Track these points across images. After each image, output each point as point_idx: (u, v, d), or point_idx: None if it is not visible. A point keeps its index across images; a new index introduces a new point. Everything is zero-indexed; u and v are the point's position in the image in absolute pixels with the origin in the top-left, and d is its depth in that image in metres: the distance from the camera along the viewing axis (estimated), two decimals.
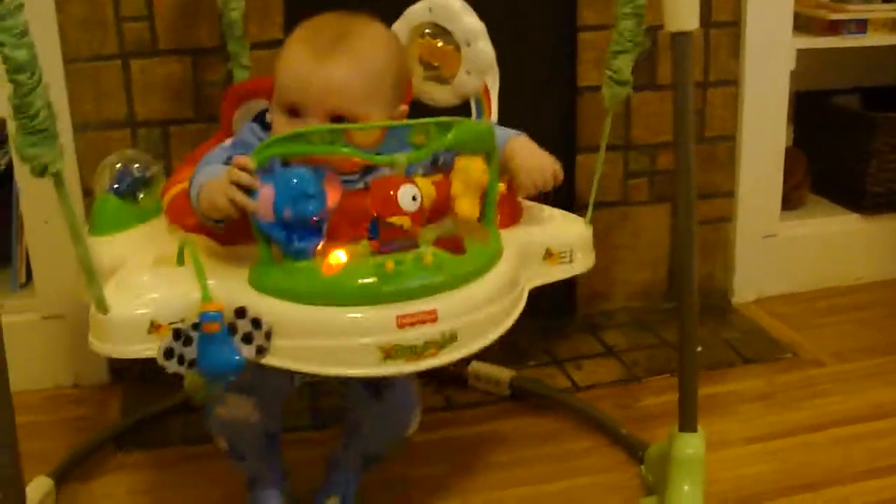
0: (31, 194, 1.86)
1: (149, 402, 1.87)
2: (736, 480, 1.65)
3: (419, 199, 1.16)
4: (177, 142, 1.93)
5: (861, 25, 2.27)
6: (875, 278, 2.45)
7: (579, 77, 2.11)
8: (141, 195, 1.51)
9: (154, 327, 1.16)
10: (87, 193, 1.86)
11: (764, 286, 2.37)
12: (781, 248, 2.36)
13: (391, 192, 1.15)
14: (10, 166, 1.92)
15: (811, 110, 2.54)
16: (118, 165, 1.53)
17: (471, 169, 1.22)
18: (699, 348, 1.50)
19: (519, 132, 1.39)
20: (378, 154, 1.19)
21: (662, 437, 1.56)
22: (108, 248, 1.39)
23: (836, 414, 1.86)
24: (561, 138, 2.15)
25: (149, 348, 1.16)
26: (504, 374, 1.93)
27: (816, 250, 2.40)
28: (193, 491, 1.64)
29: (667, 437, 1.53)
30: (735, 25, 2.18)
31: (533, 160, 1.34)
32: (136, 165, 1.54)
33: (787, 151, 2.34)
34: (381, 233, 1.16)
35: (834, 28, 2.27)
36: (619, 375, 2.02)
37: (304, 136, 1.14)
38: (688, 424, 1.50)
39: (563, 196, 2.14)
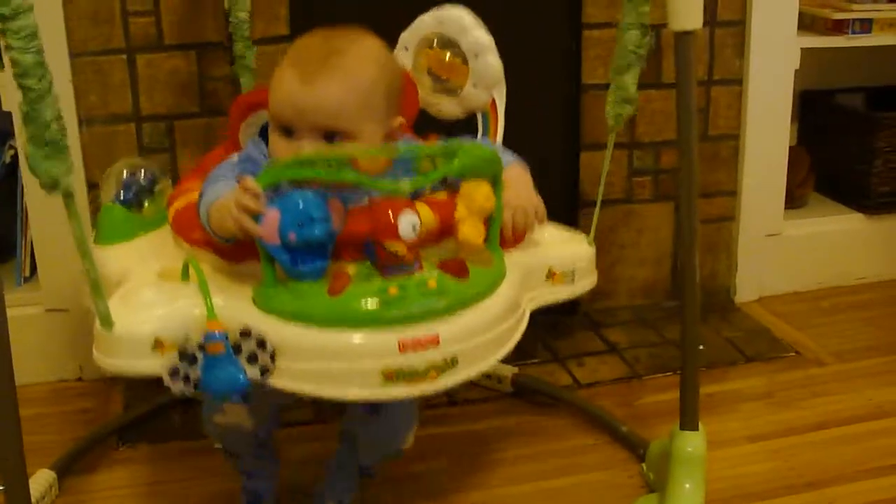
0: (36, 188, 1.84)
1: (151, 396, 1.87)
2: (737, 479, 1.65)
3: (418, 228, 1.17)
4: (181, 136, 1.94)
5: (866, 25, 2.27)
6: (878, 278, 2.45)
7: (584, 74, 2.11)
8: (146, 204, 1.51)
9: (158, 344, 1.17)
10: (92, 187, 1.86)
11: (767, 285, 2.37)
12: (784, 246, 2.36)
13: (392, 220, 1.15)
14: (14, 159, 1.93)
15: (815, 109, 2.54)
16: (124, 174, 1.53)
17: (475, 194, 1.22)
18: (701, 347, 1.50)
19: (517, 159, 1.38)
20: (383, 179, 1.19)
21: (664, 435, 1.56)
22: (113, 258, 1.39)
23: (838, 413, 1.86)
24: (565, 136, 2.15)
25: (153, 364, 1.17)
26: (506, 370, 1.93)
27: (819, 249, 2.40)
28: (195, 484, 1.65)
29: (668, 434, 1.53)
30: (740, 24, 2.18)
31: (520, 200, 1.32)
32: (142, 174, 1.53)
33: (791, 150, 2.34)
34: (378, 257, 1.17)
35: (839, 27, 2.27)
36: (621, 373, 2.03)
37: (310, 161, 1.15)
38: (689, 422, 1.50)
39: (568, 194, 2.16)
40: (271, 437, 1.51)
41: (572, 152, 2.16)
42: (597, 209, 1.59)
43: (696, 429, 1.50)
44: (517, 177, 1.33)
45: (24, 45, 1.03)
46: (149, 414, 1.85)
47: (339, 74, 1.23)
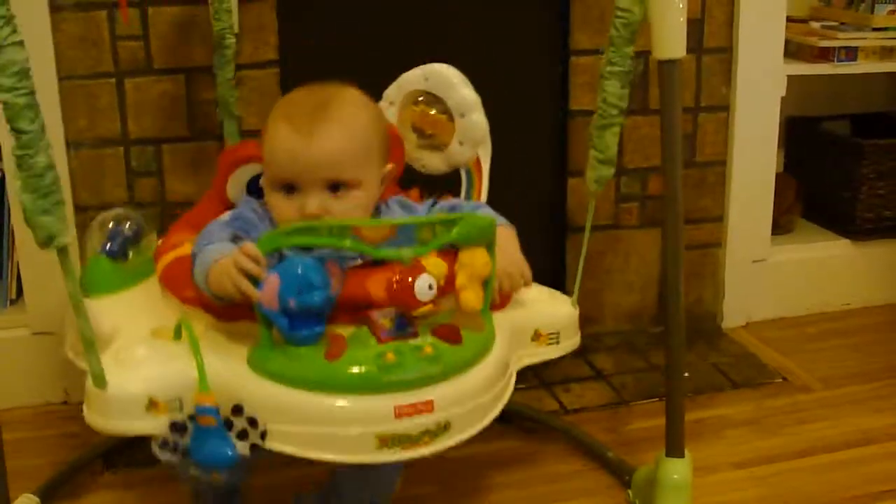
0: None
1: None
2: None
3: (435, 285, 1.19)
4: (169, 159, 1.94)
5: (851, 53, 2.29)
6: (865, 304, 2.46)
7: (571, 101, 2.12)
8: (131, 254, 1.51)
9: (152, 404, 1.17)
10: (81, 209, 1.86)
11: (753, 311, 2.38)
12: (771, 272, 2.37)
13: (409, 285, 1.17)
14: (1, 181, 1.93)
15: (802, 136, 2.56)
16: (110, 225, 1.53)
17: (475, 262, 1.23)
18: (686, 374, 1.51)
19: (505, 223, 1.39)
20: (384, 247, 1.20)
21: (650, 461, 1.56)
22: (103, 311, 1.38)
23: (825, 440, 1.86)
24: (552, 162, 2.16)
25: (147, 425, 1.17)
26: None
27: (806, 275, 2.41)
28: None
29: (654, 461, 1.53)
30: (727, 51, 2.19)
31: (507, 265, 1.33)
32: (127, 224, 1.54)
33: (778, 177, 2.35)
34: (409, 325, 1.19)
35: (824, 55, 2.28)
36: (607, 399, 2.02)
37: (313, 230, 1.16)
38: (674, 449, 1.51)
39: (555, 220, 2.16)
40: (239, 486, 1.50)
41: (560, 178, 2.16)
42: (580, 268, 1.61)
43: (681, 455, 1.51)
44: (505, 239, 1.34)
45: (13, 84, 1.01)
46: (135, 439, 1.82)
47: (335, 124, 1.24)
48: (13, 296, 2.01)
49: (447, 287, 1.23)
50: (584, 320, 2.24)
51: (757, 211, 2.32)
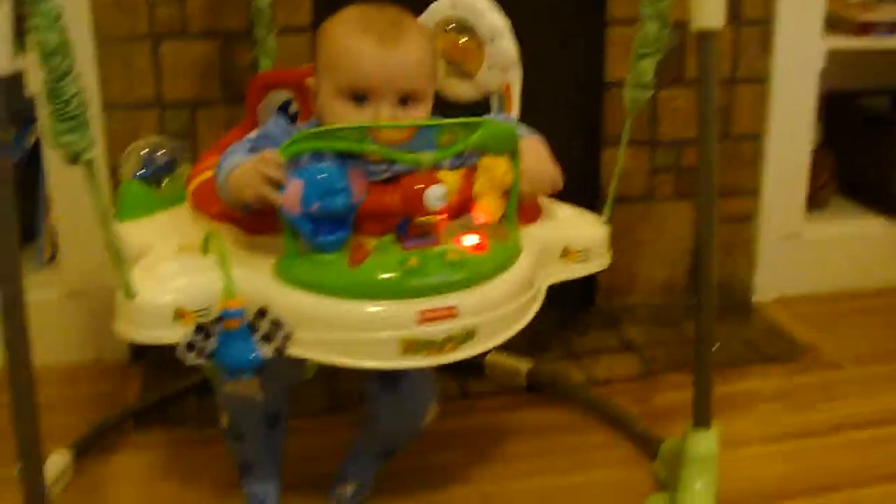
0: (59, 172, 1.88)
1: (168, 382, 1.88)
2: (750, 480, 1.65)
3: (446, 197, 1.18)
4: (204, 124, 1.95)
5: (893, 27, 2.25)
6: None
7: (607, 72, 2.11)
8: (165, 181, 1.52)
9: (180, 314, 1.18)
10: (115, 172, 1.87)
11: (786, 286, 2.36)
12: (805, 248, 2.35)
13: (419, 193, 1.16)
14: (37, 144, 1.94)
15: (840, 111, 2.53)
16: (144, 151, 1.54)
17: (495, 169, 1.22)
18: (716, 346, 1.50)
19: (532, 132, 1.38)
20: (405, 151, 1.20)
21: (677, 434, 1.56)
22: (133, 233, 1.40)
23: (854, 417, 1.85)
24: (587, 132, 2.15)
25: (175, 335, 1.18)
26: (521, 365, 1.93)
27: (840, 252, 2.39)
28: (208, 471, 1.66)
29: (681, 433, 1.53)
30: (765, 23, 2.16)
31: (536, 165, 1.32)
32: (162, 152, 1.55)
33: (814, 152, 2.32)
34: (409, 231, 1.18)
35: (865, 29, 2.25)
36: (636, 370, 2.02)
37: (333, 132, 1.16)
38: (702, 422, 1.50)
39: (588, 191, 2.15)
40: (280, 428, 1.52)
41: (594, 149, 2.15)
42: (613, 186, 1.58)
43: (709, 428, 1.50)
44: (532, 145, 1.34)
45: (49, 25, 1.05)
46: (165, 399, 1.86)
47: (413, 37, 1.27)
48: (48, 257, 2.03)
49: (466, 204, 1.22)
50: (615, 292, 2.27)
51: (792, 186, 2.30)
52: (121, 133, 1.90)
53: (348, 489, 1.54)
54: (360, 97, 1.25)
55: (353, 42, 1.25)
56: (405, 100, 1.26)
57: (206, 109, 1.95)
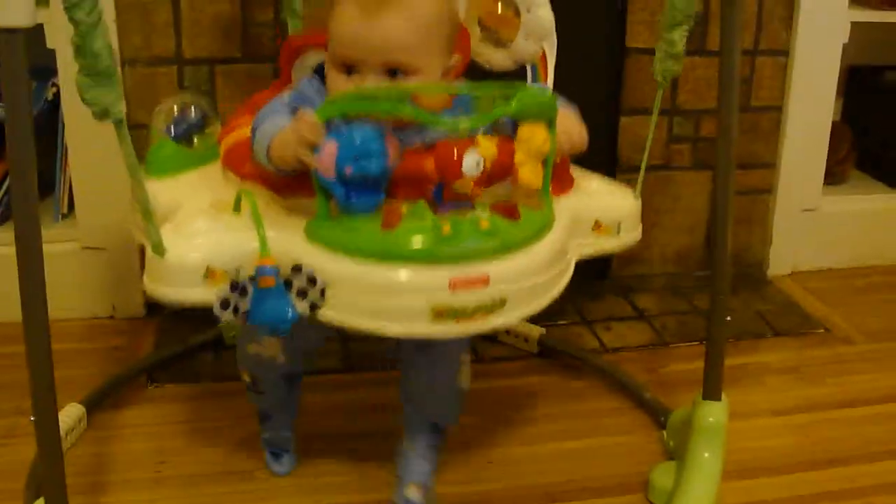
0: (77, 125, 1.88)
1: (182, 337, 1.90)
2: (758, 451, 1.66)
3: (482, 163, 1.16)
4: (222, 81, 1.95)
5: None
6: None
7: (628, 38, 2.09)
8: (196, 140, 1.52)
9: (210, 273, 1.17)
10: (134, 127, 1.87)
11: (800, 260, 2.35)
12: (821, 222, 2.34)
13: (455, 158, 1.15)
14: (56, 96, 1.94)
15: (861, 85, 2.50)
16: (175, 110, 1.54)
17: (534, 138, 1.21)
18: (728, 317, 1.50)
19: (568, 103, 1.35)
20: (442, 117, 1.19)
21: (687, 404, 1.57)
22: (164, 190, 1.39)
23: (864, 392, 1.85)
24: (606, 99, 2.14)
25: (204, 293, 1.17)
26: (534, 331, 1.94)
27: (856, 227, 2.38)
28: (222, 426, 1.67)
29: (691, 403, 1.53)
30: None
31: (572, 127, 1.31)
32: (193, 111, 1.54)
33: (834, 125, 2.31)
34: (444, 196, 1.17)
35: (891, 2, 2.23)
36: (648, 339, 2.03)
37: (371, 95, 1.15)
38: (712, 392, 1.51)
39: (606, 157, 2.15)
40: (298, 385, 1.54)
41: (613, 116, 2.14)
42: (644, 160, 1.57)
43: (719, 399, 1.51)
44: (563, 115, 1.31)
45: None
46: (179, 354, 1.87)
47: (402, 8, 1.22)
48: (65, 210, 2.04)
49: (501, 172, 1.21)
50: (630, 260, 2.27)
51: (810, 159, 2.29)
52: (139, 88, 1.90)
53: (411, 491, 1.47)
54: (349, 68, 1.24)
55: (339, 12, 1.24)
56: (394, 72, 1.23)
57: (226, 66, 1.94)
